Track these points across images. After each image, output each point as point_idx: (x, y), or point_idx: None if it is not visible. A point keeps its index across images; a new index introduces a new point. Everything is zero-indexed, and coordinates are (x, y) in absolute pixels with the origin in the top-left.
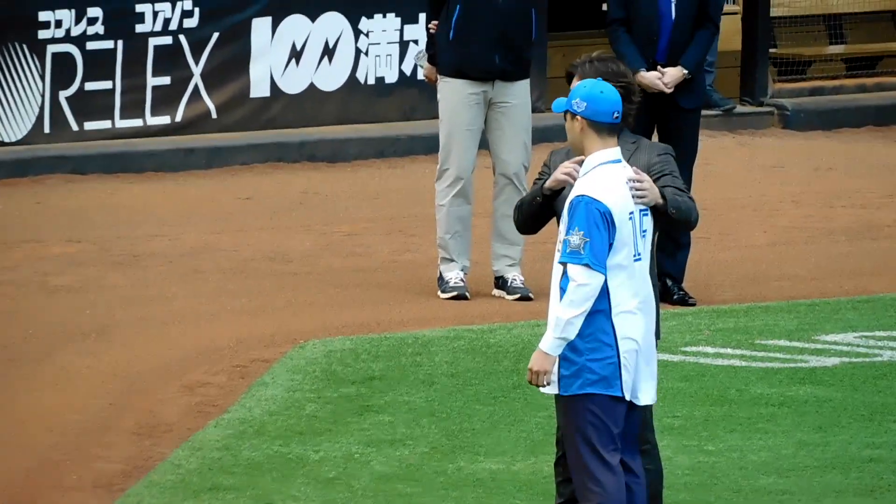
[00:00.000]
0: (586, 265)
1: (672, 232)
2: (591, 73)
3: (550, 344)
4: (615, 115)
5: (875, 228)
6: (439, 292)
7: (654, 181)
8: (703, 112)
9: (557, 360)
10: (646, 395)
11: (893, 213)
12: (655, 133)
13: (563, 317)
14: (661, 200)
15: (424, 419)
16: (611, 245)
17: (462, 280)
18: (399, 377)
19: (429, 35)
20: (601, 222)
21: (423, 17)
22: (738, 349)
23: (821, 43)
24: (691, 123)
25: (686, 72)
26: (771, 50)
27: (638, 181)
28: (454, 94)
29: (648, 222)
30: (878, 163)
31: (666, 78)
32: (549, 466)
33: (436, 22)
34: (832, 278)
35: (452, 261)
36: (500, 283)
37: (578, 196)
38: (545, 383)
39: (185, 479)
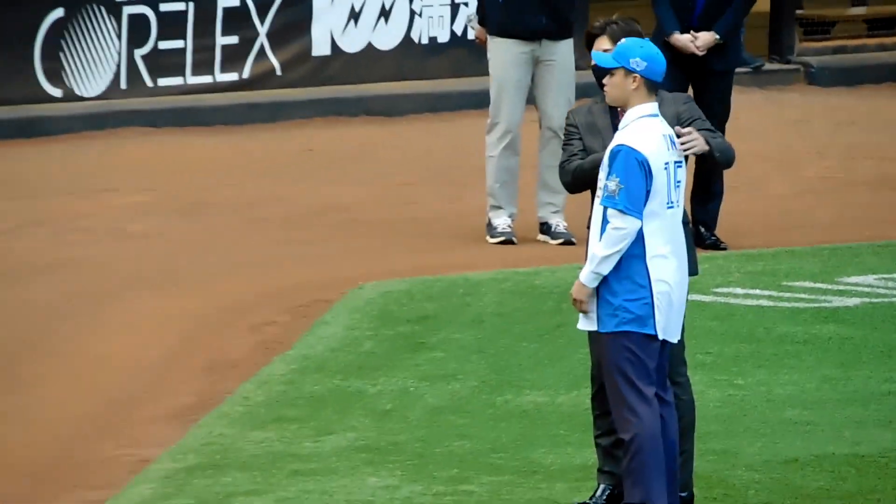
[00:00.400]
0: (621, 210)
1: (714, 174)
2: (620, 33)
3: (587, 276)
4: (662, 76)
5: (893, 179)
6: (488, 237)
7: (688, 125)
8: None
9: (597, 299)
10: (676, 334)
11: None
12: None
13: (598, 254)
14: (707, 147)
15: (474, 356)
16: (648, 192)
17: (509, 226)
18: (450, 317)
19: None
20: (639, 170)
21: None
22: (766, 290)
23: (843, 4)
24: (724, 85)
25: (718, 37)
26: (797, 11)
27: (686, 134)
28: (503, 52)
29: (682, 173)
30: None
31: (699, 42)
32: (589, 400)
33: None
34: (853, 225)
35: (501, 208)
36: (545, 228)
37: (619, 145)
38: (585, 310)
39: (252, 410)
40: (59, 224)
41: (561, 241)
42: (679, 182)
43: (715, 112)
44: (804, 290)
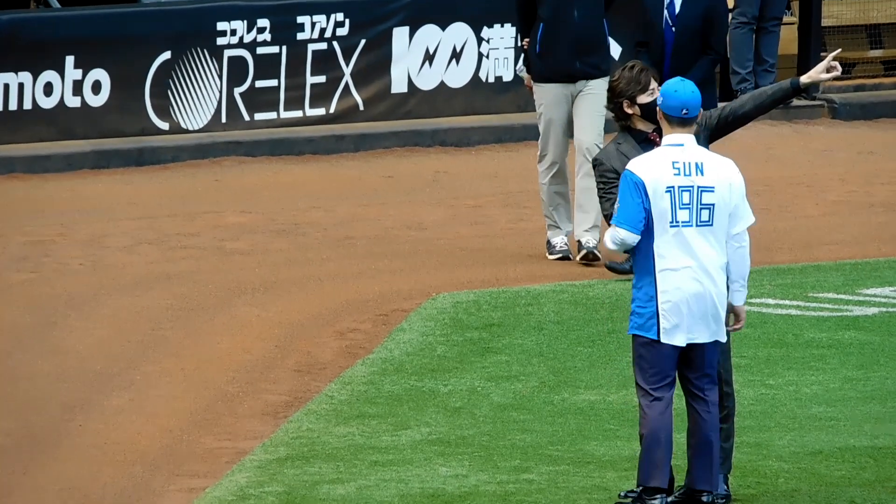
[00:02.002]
0: (614, 224)
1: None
2: (623, 81)
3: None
4: (683, 111)
5: None
6: (547, 254)
7: (727, 117)
8: None
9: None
10: (704, 337)
11: None
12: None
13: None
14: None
15: (535, 359)
16: (648, 211)
17: (566, 244)
18: (514, 324)
19: (523, 51)
20: (634, 191)
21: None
22: (794, 301)
23: (863, 48)
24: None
25: None
26: (822, 53)
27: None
28: (545, 96)
29: (713, 197)
30: None
31: None
32: (636, 398)
33: (527, 39)
34: (872, 243)
35: (557, 227)
36: (579, 246)
37: (625, 170)
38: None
39: (337, 408)
40: (169, 242)
41: (584, 252)
42: (687, 205)
43: None
44: (828, 301)
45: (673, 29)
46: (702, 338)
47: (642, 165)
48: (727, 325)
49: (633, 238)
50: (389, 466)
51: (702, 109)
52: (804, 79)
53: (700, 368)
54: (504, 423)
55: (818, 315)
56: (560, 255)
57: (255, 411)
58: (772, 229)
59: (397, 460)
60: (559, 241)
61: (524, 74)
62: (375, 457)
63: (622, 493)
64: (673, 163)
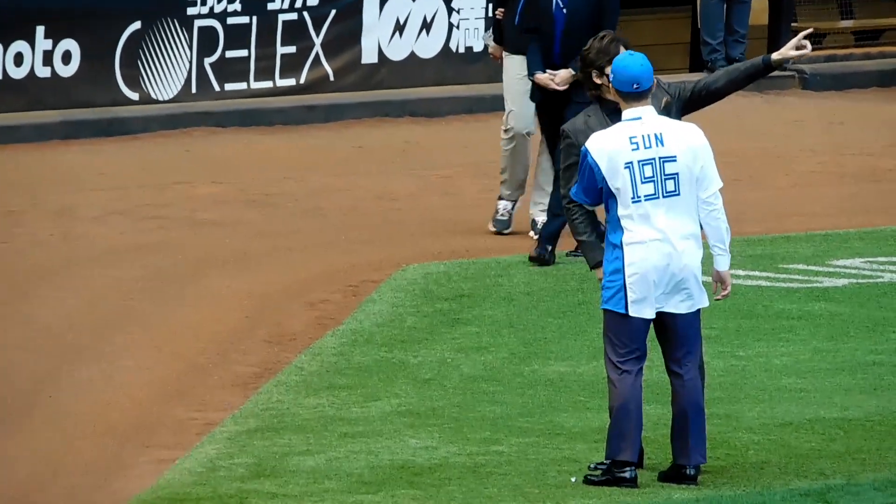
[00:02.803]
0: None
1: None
2: (593, 52)
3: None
4: (634, 85)
5: (879, 173)
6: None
7: (696, 90)
8: None
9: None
10: (674, 307)
11: (894, 160)
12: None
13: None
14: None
15: (505, 330)
16: (607, 189)
17: (507, 212)
18: (484, 295)
19: (495, 20)
20: (589, 171)
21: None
22: (764, 272)
23: (834, 18)
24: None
25: (574, 73)
26: (792, 24)
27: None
28: (516, 67)
29: (676, 166)
30: (881, 118)
31: (557, 79)
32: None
33: (502, 10)
34: (842, 214)
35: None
36: (533, 224)
37: (583, 147)
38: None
39: (307, 379)
40: (139, 212)
41: (537, 232)
42: (650, 178)
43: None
44: (798, 272)
45: (564, 12)
46: (673, 309)
47: (598, 143)
48: (712, 295)
49: (584, 209)
50: (359, 438)
51: (667, 81)
52: (775, 56)
53: (674, 340)
54: (474, 395)
55: (788, 286)
56: (500, 228)
57: (226, 382)
58: (742, 200)
59: (367, 432)
60: (503, 205)
61: (491, 43)
62: (345, 428)
63: (592, 465)
64: (630, 138)
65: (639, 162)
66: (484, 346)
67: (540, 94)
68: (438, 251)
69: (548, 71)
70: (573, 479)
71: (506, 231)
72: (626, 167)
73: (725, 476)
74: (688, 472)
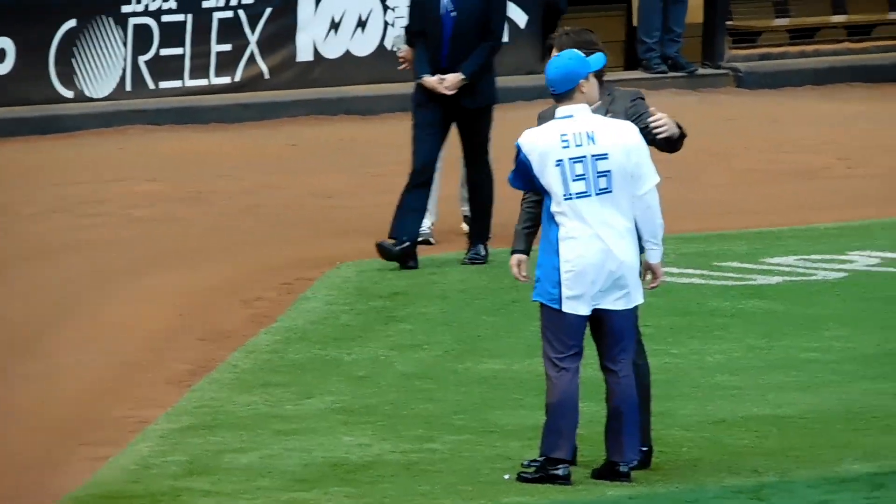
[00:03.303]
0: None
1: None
2: (568, 43)
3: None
4: (551, 89)
5: (812, 170)
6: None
7: (635, 121)
8: (672, 74)
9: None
10: (610, 304)
11: (828, 157)
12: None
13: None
14: (676, 130)
15: (439, 327)
16: (540, 184)
17: (429, 228)
18: (418, 292)
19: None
20: (521, 164)
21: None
22: (699, 270)
23: (769, 16)
24: (476, 120)
25: (464, 77)
26: (727, 22)
27: (660, 120)
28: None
29: (608, 164)
30: (816, 115)
31: (446, 83)
32: (542, 367)
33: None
34: (777, 212)
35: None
36: (466, 220)
37: (516, 141)
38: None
39: (241, 377)
40: (74, 210)
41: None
42: (581, 176)
43: (474, 144)
44: (732, 270)
45: (452, 14)
46: (609, 306)
47: (530, 140)
48: (644, 282)
49: (533, 196)
50: (293, 435)
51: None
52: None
53: (609, 337)
54: (408, 392)
55: (722, 284)
56: (421, 239)
57: (160, 380)
58: (677, 198)
59: (301, 429)
60: (425, 223)
61: (402, 46)
62: (279, 426)
63: (525, 462)
64: (561, 136)
65: (570, 159)
66: (418, 344)
67: (424, 97)
68: (373, 249)
69: (436, 75)
70: (507, 477)
71: (432, 241)
72: (557, 164)
73: (659, 473)
74: (621, 468)
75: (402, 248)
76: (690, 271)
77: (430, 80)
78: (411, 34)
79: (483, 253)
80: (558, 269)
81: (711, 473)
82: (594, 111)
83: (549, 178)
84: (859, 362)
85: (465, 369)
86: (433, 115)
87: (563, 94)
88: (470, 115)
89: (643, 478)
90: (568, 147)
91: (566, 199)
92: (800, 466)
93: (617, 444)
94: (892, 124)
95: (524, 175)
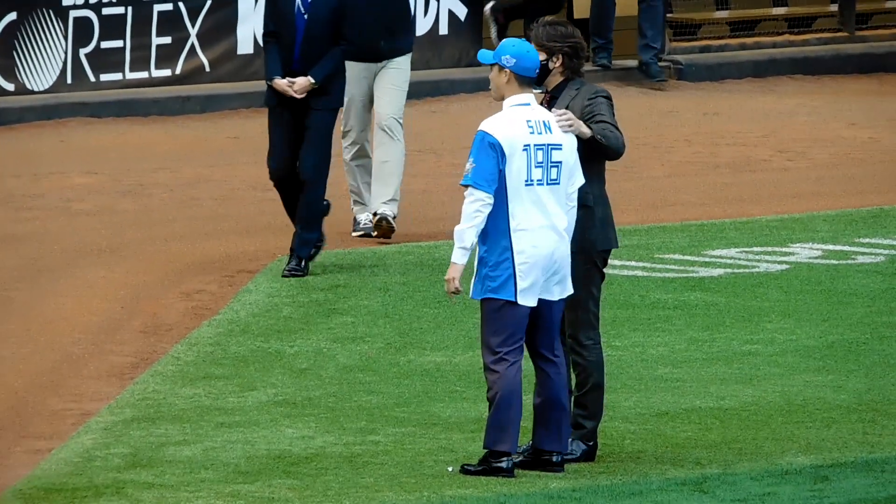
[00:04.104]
0: (470, 185)
1: (606, 158)
2: (543, 35)
3: (456, 255)
4: (536, 70)
5: (753, 163)
6: (352, 231)
7: (588, 121)
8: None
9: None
10: (555, 295)
11: (768, 150)
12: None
13: (459, 229)
14: (585, 130)
15: (381, 320)
16: (501, 171)
17: (370, 221)
18: (360, 285)
19: None
20: (490, 151)
21: None
22: (640, 262)
23: (709, 9)
24: (319, 119)
25: (313, 81)
26: (668, 14)
27: (562, 116)
28: (349, 72)
29: (561, 154)
30: (756, 108)
31: (295, 86)
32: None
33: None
34: (718, 204)
35: (363, 204)
36: (376, 216)
37: (478, 131)
38: (453, 289)
39: (184, 369)
40: (13, 202)
41: (377, 218)
42: (557, 162)
43: (314, 143)
44: (674, 262)
45: (305, 17)
46: (549, 296)
47: (498, 125)
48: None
49: (489, 200)
50: (236, 428)
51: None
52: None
53: (547, 328)
54: (350, 385)
55: (664, 276)
56: (362, 233)
57: (101, 373)
58: (617, 190)
59: (243, 422)
60: (364, 217)
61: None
62: (222, 418)
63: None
64: (527, 121)
65: (534, 146)
66: (360, 336)
67: (275, 99)
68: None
69: (287, 77)
70: (450, 469)
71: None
72: (524, 149)
73: (602, 465)
74: (555, 458)
75: (298, 266)
76: (632, 264)
77: (280, 83)
78: (265, 35)
79: (303, 266)
80: (511, 261)
81: (654, 465)
82: (558, 103)
83: (515, 164)
84: (801, 354)
85: (406, 362)
86: (285, 118)
87: (534, 79)
88: (314, 114)
89: (586, 470)
90: (533, 133)
91: (527, 186)
92: (742, 459)
93: (554, 434)
94: (831, 117)
95: (490, 166)
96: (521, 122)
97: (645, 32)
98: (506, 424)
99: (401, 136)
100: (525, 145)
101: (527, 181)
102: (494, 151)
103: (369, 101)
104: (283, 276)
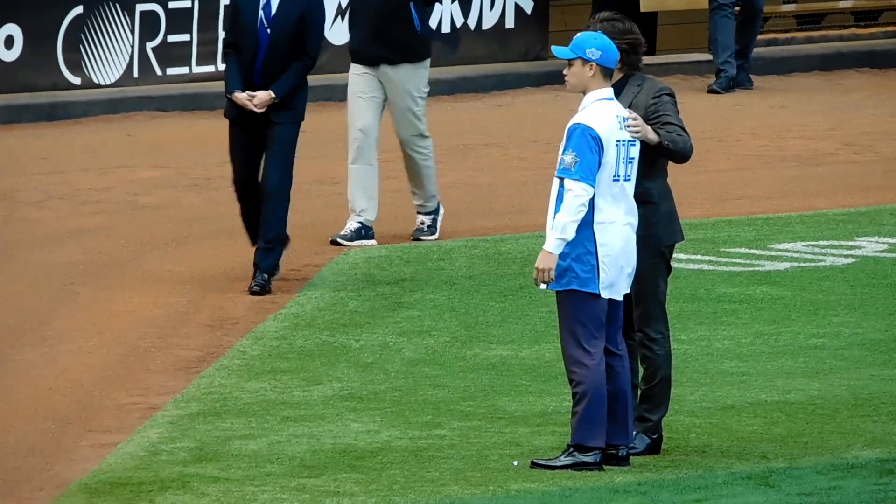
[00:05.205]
0: (577, 179)
1: (673, 161)
2: (599, 30)
3: (552, 244)
4: (617, 63)
5: (819, 156)
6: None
7: (653, 121)
8: (679, 59)
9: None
10: (621, 292)
11: (835, 143)
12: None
13: (562, 221)
14: (652, 137)
15: (446, 314)
16: (599, 165)
17: (350, 230)
18: (426, 279)
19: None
20: (593, 145)
21: None
22: (706, 256)
23: (776, 2)
24: (282, 134)
25: (274, 96)
26: (735, 7)
27: (633, 120)
28: (351, 73)
29: (634, 151)
30: (822, 101)
31: (255, 101)
32: (549, 353)
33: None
34: (784, 197)
35: (353, 211)
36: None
37: (575, 124)
38: (548, 279)
39: (249, 363)
40: (81, 197)
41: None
42: (632, 159)
43: (278, 158)
44: (740, 256)
45: (268, 31)
46: (625, 291)
47: (596, 119)
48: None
49: (592, 192)
50: (301, 422)
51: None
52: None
53: (615, 322)
54: (416, 379)
55: (730, 270)
56: (334, 239)
57: (167, 366)
58: (683, 183)
59: (309, 416)
60: (349, 225)
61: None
62: (287, 412)
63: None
64: (616, 115)
65: (623, 142)
66: (426, 330)
67: (235, 112)
68: (380, 235)
69: (247, 91)
70: (515, 463)
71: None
72: (616, 144)
73: (667, 459)
74: (620, 452)
75: (265, 282)
76: (698, 257)
77: (241, 97)
78: (225, 46)
79: (268, 284)
80: (595, 254)
81: (720, 459)
82: (621, 100)
83: (609, 158)
84: (867, 348)
85: (472, 355)
86: (245, 132)
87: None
88: (275, 128)
89: (651, 463)
90: (621, 128)
91: (615, 180)
92: (808, 453)
93: (620, 428)
94: None
95: (593, 159)
96: (612, 116)
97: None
98: (597, 419)
99: (422, 149)
100: (617, 140)
101: (614, 176)
102: (597, 145)
103: (372, 100)
104: (250, 293)
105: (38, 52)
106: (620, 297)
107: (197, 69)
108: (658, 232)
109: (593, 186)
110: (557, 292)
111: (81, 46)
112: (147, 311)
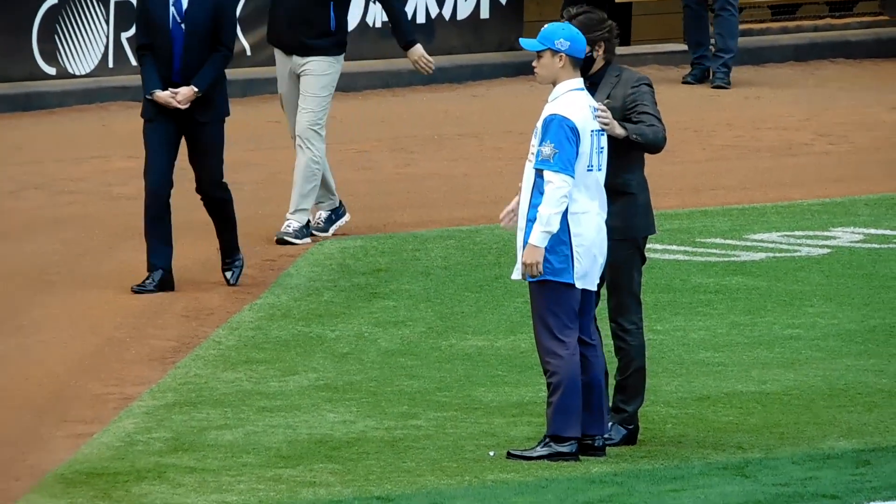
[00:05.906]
0: (557, 171)
1: (645, 152)
2: (576, 23)
3: (538, 237)
4: (587, 52)
5: (795, 147)
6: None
7: (631, 111)
8: (655, 50)
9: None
10: (595, 282)
11: (809, 134)
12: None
13: (545, 213)
14: (619, 131)
15: (422, 304)
16: (577, 155)
17: (317, 221)
18: (401, 269)
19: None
20: (570, 135)
21: None
22: (682, 246)
23: None
24: (210, 134)
25: (197, 90)
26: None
27: (601, 112)
28: (277, 64)
29: (604, 140)
30: (796, 92)
31: (178, 97)
32: (525, 343)
33: None
34: (759, 188)
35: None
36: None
37: (552, 115)
38: (537, 273)
39: (225, 353)
40: (55, 187)
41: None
42: (602, 148)
43: (204, 159)
44: (715, 246)
45: (182, 28)
46: (593, 285)
47: (572, 109)
48: None
49: (572, 183)
50: (277, 412)
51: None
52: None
53: (588, 312)
54: (391, 369)
55: (705, 260)
56: (309, 232)
57: (143, 357)
58: (659, 174)
59: (285, 406)
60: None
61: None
62: (263, 402)
63: (510, 454)
64: (589, 105)
65: (595, 132)
66: (401, 321)
67: (152, 112)
68: (355, 225)
69: (169, 89)
70: (491, 454)
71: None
72: (591, 134)
73: (643, 450)
74: (596, 442)
75: (159, 280)
76: (674, 248)
77: (163, 95)
78: (138, 48)
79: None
80: (569, 245)
81: (696, 450)
82: (599, 90)
83: (583, 149)
84: (843, 338)
85: (447, 346)
86: (165, 132)
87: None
88: (202, 127)
89: (627, 454)
90: (593, 118)
91: (588, 170)
92: (784, 443)
93: (597, 418)
94: (873, 101)
95: (571, 150)
96: (585, 106)
97: (725, 44)
98: (572, 409)
99: (313, 145)
100: (592, 130)
101: (588, 166)
102: (574, 135)
103: (292, 98)
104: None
105: (13, 42)
106: (594, 287)
107: None
108: (636, 223)
109: (573, 177)
110: (531, 283)
111: (56, 37)
112: (122, 302)
